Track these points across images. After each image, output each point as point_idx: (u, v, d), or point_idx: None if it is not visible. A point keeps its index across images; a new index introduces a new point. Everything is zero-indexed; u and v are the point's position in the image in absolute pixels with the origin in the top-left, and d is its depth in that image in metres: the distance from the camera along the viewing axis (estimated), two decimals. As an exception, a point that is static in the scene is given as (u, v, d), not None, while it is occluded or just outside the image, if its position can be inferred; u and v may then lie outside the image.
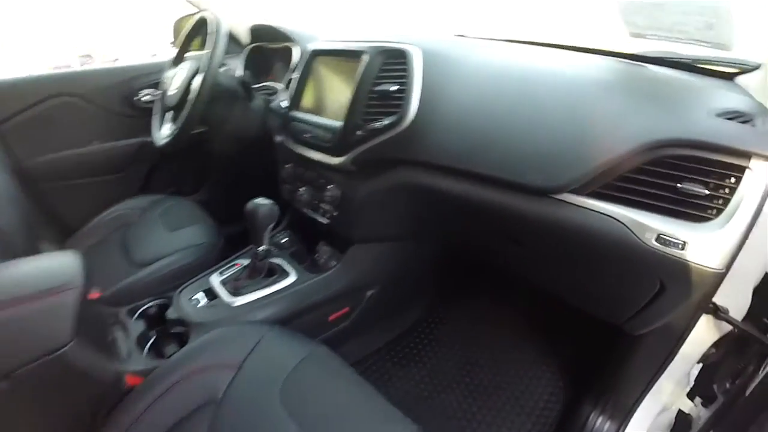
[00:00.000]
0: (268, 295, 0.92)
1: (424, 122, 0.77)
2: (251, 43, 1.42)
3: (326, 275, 0.97)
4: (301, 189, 1.02)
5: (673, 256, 0.55)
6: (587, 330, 0.99)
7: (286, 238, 1.10)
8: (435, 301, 1.28)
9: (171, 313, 0.89)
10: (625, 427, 0.87)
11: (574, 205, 0.62)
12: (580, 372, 1.04)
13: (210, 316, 0.87)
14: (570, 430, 0.93)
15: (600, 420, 0.90)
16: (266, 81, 1.32)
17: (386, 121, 0.79)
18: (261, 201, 0.85)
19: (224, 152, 1.46)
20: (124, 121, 1.36)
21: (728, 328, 0.75)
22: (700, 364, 0.84)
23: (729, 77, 0.70)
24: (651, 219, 0.57)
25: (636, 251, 0.57)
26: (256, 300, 0.90)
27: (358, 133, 0.83)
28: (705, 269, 0.55)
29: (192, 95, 1.01)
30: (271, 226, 0.88)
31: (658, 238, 0.56)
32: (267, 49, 1.36)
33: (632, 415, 0.87)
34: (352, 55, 0.88)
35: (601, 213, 0.60)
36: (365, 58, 0.84)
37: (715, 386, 0.85)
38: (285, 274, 0.97)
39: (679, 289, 0.59)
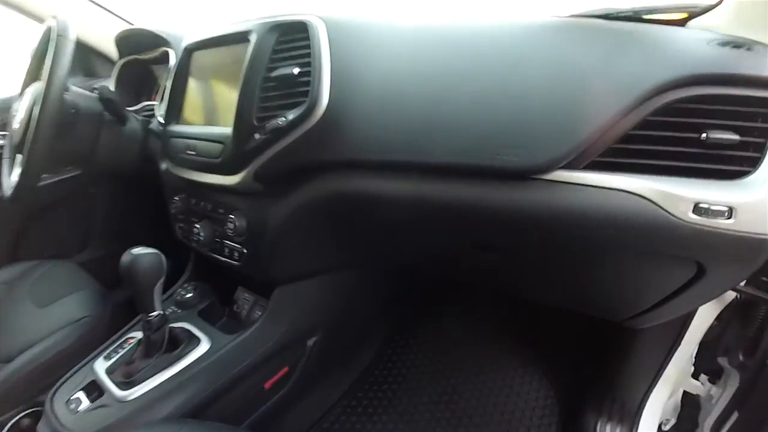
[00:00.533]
0: (173, 376, 0.65)
1: (343, 109, 0.54)
2: (121, 57, 1.12)
3: (250, 332, 0.70)
4: (197, 226, 0.73)
5: (719, 229, 0.38)
6: (571, 328, 0.82)
7: (191, 293, 0.79)
8: (393, 330, 1.06)
9: (42, 428, 0.63)
10: (637, 428, 0.73)
11: (571, 183, 0.42)
12: (571, 376, 0.87)
13: (94, 423, 0.60)
14: None
15: (609, 427, 0.74)
16: (150, 100, 1.02)
17: (291, 116, 0.55)
18: (139, 251, 0.61)
19: (107, 196, 1.13)
20: None
21: (730, 297, 0.63)
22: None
23: (680, 23, 0.57)
24: (679, 185, 0.39)
25: (669, 231, 0.39)
26: (156, 387, 0.64)
27: (256, 137, 0.58)
28: (761, 238, 0.38)
29: (32, 126, 0.73)
30: (161, 281, 0.63)
31: (696, 209, 0.38)
32: (143, 61, 1.07)
33: (641, 414, 0.73)
34: (237, 40, 0.66)
35: (610, 188, 0.41)
36: (253, 38, 0.62)
37: (724, 360, 0.72)
38: (195, 342, 0.70)
39: (724, 269, 0.43)
